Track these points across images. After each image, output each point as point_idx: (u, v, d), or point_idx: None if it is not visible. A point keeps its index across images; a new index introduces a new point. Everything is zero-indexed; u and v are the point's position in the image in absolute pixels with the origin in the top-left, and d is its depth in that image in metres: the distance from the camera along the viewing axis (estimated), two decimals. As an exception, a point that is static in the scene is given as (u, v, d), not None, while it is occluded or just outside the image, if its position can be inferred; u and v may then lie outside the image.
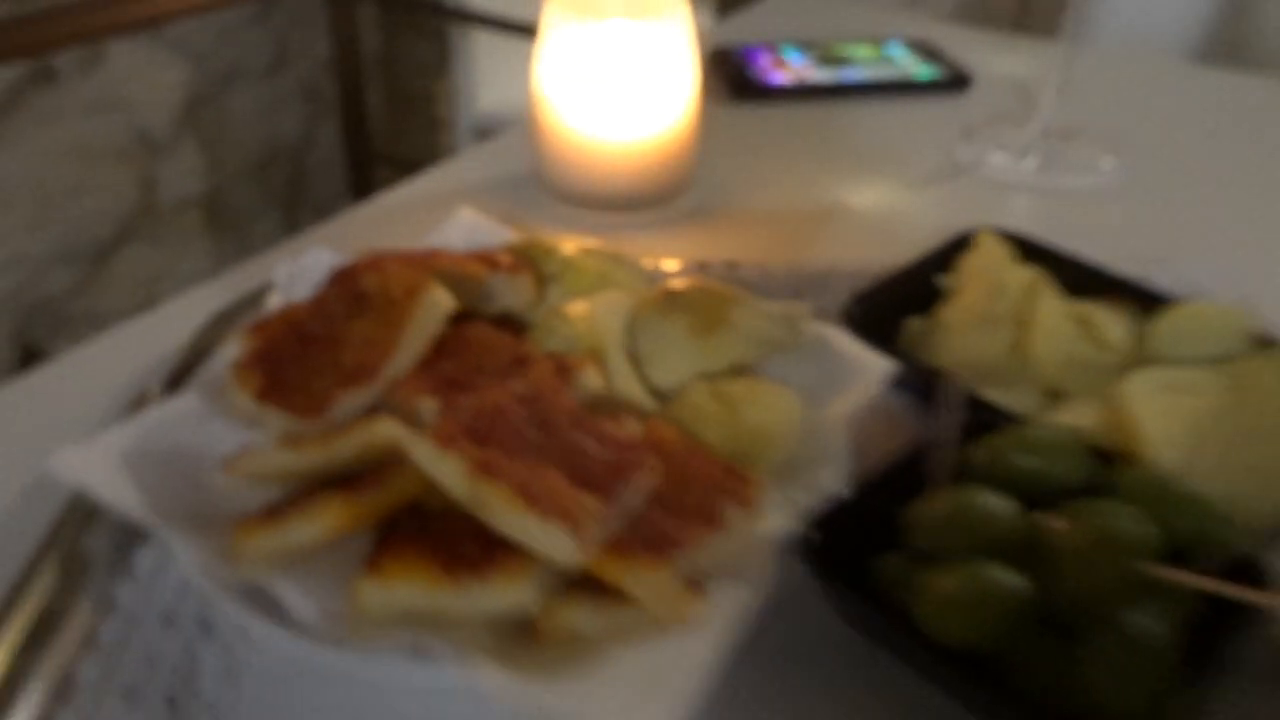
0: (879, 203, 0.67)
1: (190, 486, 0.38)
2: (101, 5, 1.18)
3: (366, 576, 0.33)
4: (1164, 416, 0.40)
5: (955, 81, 0.84)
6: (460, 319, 0.43)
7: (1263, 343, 0.45)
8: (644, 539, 0.34)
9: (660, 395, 0.44)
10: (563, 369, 0.39)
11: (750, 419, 0.42)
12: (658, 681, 0.31)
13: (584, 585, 0.33)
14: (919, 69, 0.85)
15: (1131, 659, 0.31)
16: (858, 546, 0.36)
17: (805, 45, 0.89)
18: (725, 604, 0.34)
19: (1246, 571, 0.34)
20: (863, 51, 0.89)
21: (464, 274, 0.44)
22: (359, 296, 0.41)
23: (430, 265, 0.44)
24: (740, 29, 0.98)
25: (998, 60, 0.89)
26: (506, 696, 0.31)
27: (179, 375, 0.46)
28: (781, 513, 0.37)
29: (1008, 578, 0.33)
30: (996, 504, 0.35)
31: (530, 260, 0.48)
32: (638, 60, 0.61)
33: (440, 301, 0.40)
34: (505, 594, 0.32)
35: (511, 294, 0.45)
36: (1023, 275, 0.48)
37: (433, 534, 0.34)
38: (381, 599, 0.33)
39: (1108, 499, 0.35)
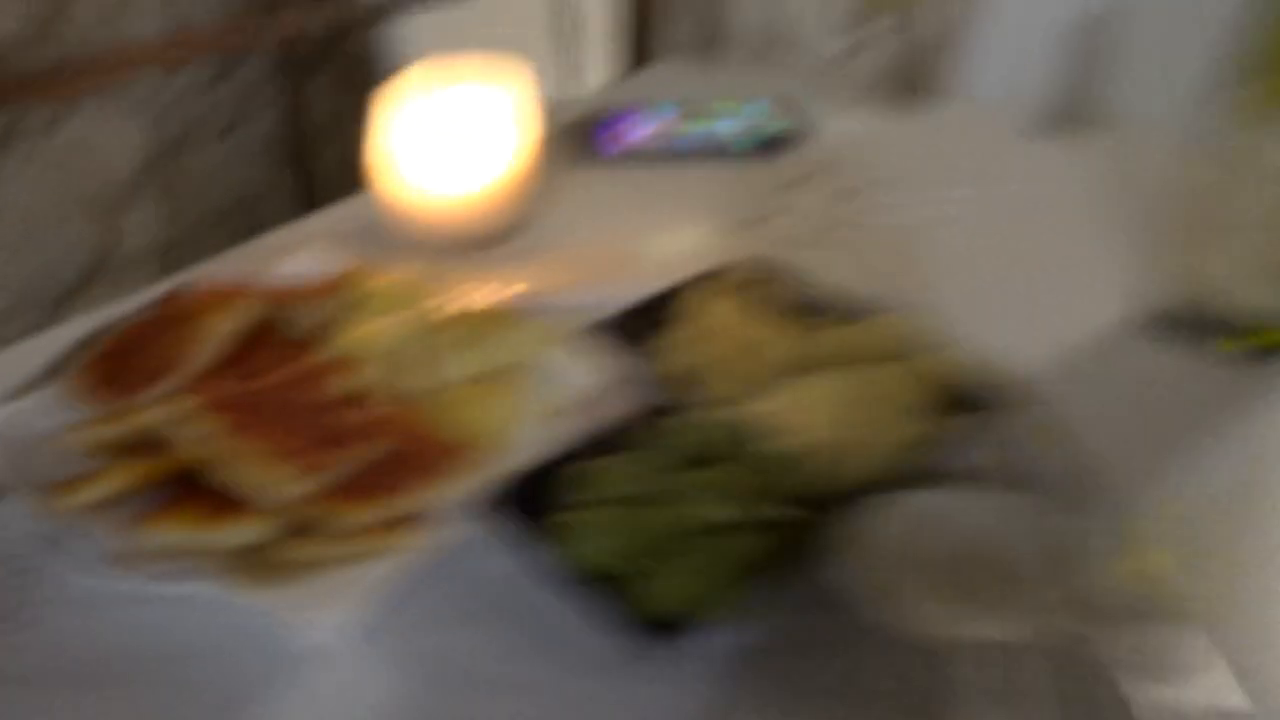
0: (689, 245, 0.78)
1: (37, 458, 0.49)
2: (58, 72, 1.30)
3: (147, 522, 0.44)
4: (803, 403, 0.51)
5: (787, 141, 0.95)
6: (270, 335, 0.55)
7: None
8: (359, 489, 0.44)
9: (434, 390, 0.54)
10: (325, 368, 0.50)
11: (488, 410, 0.53)
12: (346, 590, 0.42)
13: (312, 524, 0.44)
14: (765, 129, 0.97)
15: (697, 575, 0.42)
16: (553, 500, 0.47)
17: (675, 106, 1.00)
18: (421, 541, 0.44)
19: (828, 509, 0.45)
20: (724, 112, 1.00)
21: (273, 300, 0.55)
22: (176, 316, 0.52)
23: (244, 294, 0.55)
24: (629, 91, 1.09)
25: (854, 121, 1.00)
26: (236, 600, 0.41)
27: (48, 376, 0.57)
28: (491, 477, 0.48)
29: (626, 516, 0.43)
30: (626, 465, 0.46)
31: (343, 288, 0.59)
32: (468, 126, 0.72)
33: (225, 320, 0.51)
34: (243, 532, 0.43)
35: (309, 316, 0.56)
36: (737, 303, 0.59)
37: (197, 490, 0.44)
38: (157, 539, 0.44)
39: (726, 462, 0.46)
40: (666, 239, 0.79)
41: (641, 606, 0.42)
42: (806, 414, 0.50)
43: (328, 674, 0.42)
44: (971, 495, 0.48)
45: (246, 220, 1.81)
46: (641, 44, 1.61)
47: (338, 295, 0.58)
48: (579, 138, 0.95)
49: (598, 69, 1.63)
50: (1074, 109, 1.27)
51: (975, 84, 1.31)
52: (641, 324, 0.61)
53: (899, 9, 0.82)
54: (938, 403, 0.52)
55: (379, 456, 0.46)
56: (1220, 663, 0.43)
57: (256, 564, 0.43)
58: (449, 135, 0.72)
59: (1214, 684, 0.42)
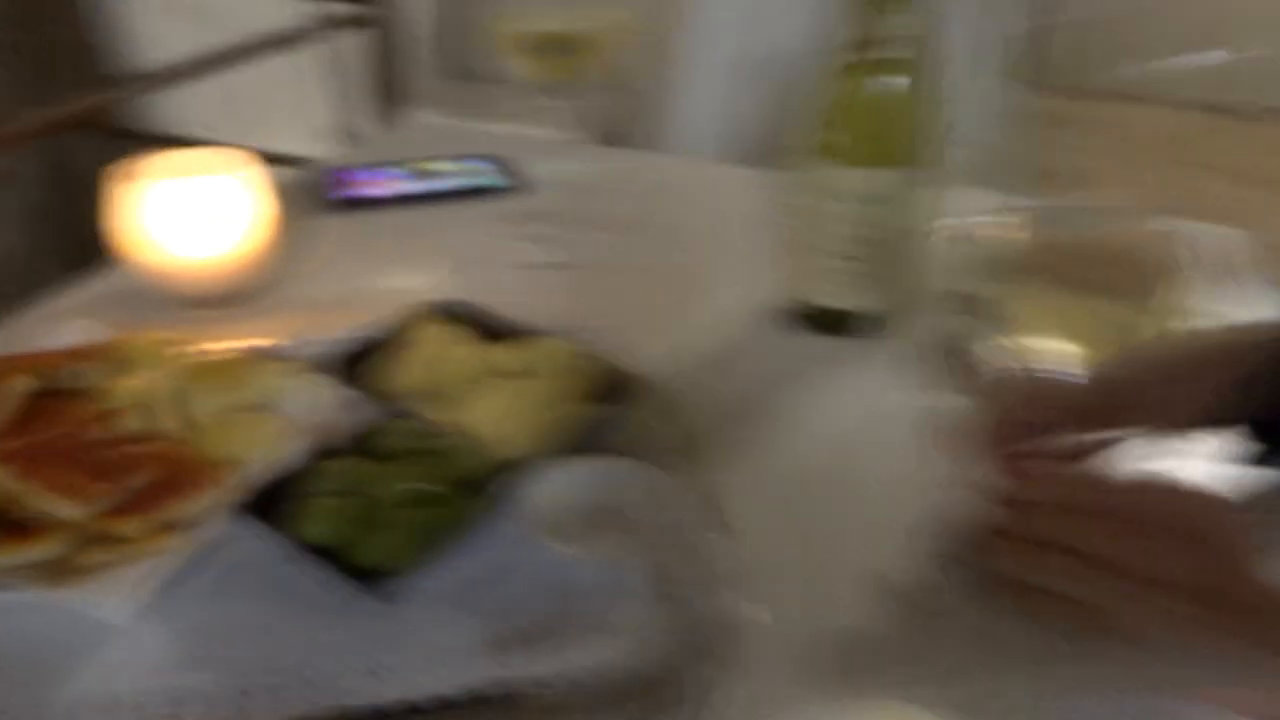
0: (419, 287, 0.94)
1: None
2: None
3: (-35, 550, 0.57)
4: (486, 407, 0.68)
5: (507, 191, 1.12)
6: (53, 394, 0.67)
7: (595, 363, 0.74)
8: (134, 506, 0.58)
9: (192, 426, 0.68)
10: (100, 416, 0.64)
11: (239, 437, 0.67)
12: (130, 582, 0.56)
13: (98, 537, 0.58)
14: (484, 179, 1.13)
15: (396, 539, 0.58)
16: (290, 497, 0.62)
17: (401, 164, 1.16)
18: (188, 540, 0.59)
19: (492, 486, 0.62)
20: (446, 166, 1.16)
21: (52, 364, 0.68)
22: (-32, 385, 0.65)
23: (26, 360, 0.68)
24: (368, 151, 1.24)
25: (567, 168, 1.17)
26: (47, 601, 0.55)
27: None
28: (242, 488, 0.62)
29: (342, 501, 0.59)
30: (344, 464, 0.61)
31: (113, 349, 0.73)
32: (210, 201, 0.86)
33: (13, 386, 0.64)
34: (44, 550, 0.56)
35: (85, 375, 0.69)
36: (442, 332, 0.76)
37: (4, 523, 0.57)
38: (-25, 562, 0.57)
39: (422, 455, 0.63)
40: (391, 281, 0.94)
41: (358, 567, 0.58)
42: (488, 413, 0.67)
43: (120, 645, 0.56)
44: (610, 464, 0.66)
45: (12, 285, 1.85)
46: (393, 94, 1.75)
47: (108, 355, 0.71)
48: (317, 195, 1.09)
49: (351, 119, 1.77)
50: (757, 146, 1.49)
51: (675, 129, 1.52)
52: (365, 355, 0.76)
53: (577, 76, 0.99)
54: (590, 397, 0.70)
55: (148, 481, 0.60)
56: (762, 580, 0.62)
57: (59, 572, 0.57)
58: (192, 209, 0.86)
59: (749, 597, 0.61)
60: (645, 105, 1.58)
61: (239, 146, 0.96)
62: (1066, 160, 1.58)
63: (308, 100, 1.80)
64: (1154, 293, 0.59)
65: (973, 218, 0.79)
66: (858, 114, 0.77)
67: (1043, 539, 0.53)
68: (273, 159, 1.03)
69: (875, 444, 0.73)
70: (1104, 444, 0.55)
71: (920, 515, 0.63)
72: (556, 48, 0.94)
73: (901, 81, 0.75)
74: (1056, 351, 0.63)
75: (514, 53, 0.94)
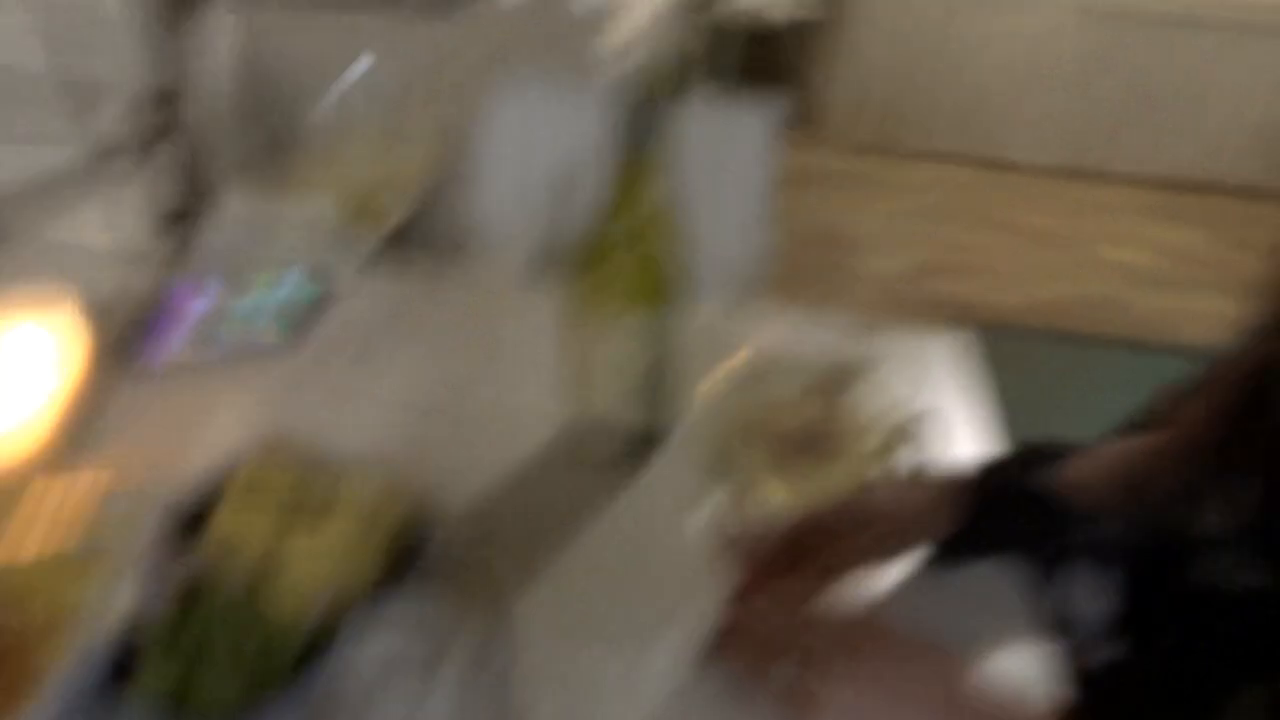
0: (234, 431, 0.99)
1: None
2: None
3: None
4: (300, 553, 0.76)
5: (319, 307, 1.18)
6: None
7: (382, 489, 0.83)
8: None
9: (31, 583, 0.74)
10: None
11: (74, 595, 0.74)
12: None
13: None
14: (301, 297, 1.18)
15: (230, 691, 0.66)
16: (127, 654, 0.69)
17: (216, 277, 1.18)
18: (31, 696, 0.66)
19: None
20: (263, 283, 1.19)
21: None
22: None
23: None
24: (185, 264, 1.27)
25: (372, 283, 1.22)
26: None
27: None
28: (78, 650, 0.69)
29: (175, 658, 0.67)
30: (175, 623, 0.69)
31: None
32: (15, 356, 0.91)
33: None
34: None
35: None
36: (256, 478, 0.84)
37: None
38: None
39: (246, 611, 0.71)
40: (207, 427, 1.00)
41: (191, 715, 0.66)
42: (303, 559, 0.76)
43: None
44: (416, 602, 0.76)
45: None
46: (202, 199, 1.79)
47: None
48: (132, 343, 1.09)
49: (160, 227, 1.79)
50: (559, 267, 1.57)
51: (477, 239, 1.61)
52: (188, 506, 0.83)
53: (384, 213, 1.06)
54: (398, 531, 0.79)
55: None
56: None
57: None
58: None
59: None
60: (450, 222, 1.65)
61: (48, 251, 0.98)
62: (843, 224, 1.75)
63: (117, 207, 1.82)
64: (853, 448, 0.74)
65: (722, 359, 0.92)
66: (625, 251, 0.88)
67: (759, 638, 0.68)
68: (82, 264, 1.02)
69: (658, 560, 0.85)
70: (813, 570, 0.70)
71: (695, 623, 0.75)
72: (362, 192, 1.03)
73: (663, 221, 0.87)
74: (779, 496, 0.76)
75: (320, 199, 1.03)
